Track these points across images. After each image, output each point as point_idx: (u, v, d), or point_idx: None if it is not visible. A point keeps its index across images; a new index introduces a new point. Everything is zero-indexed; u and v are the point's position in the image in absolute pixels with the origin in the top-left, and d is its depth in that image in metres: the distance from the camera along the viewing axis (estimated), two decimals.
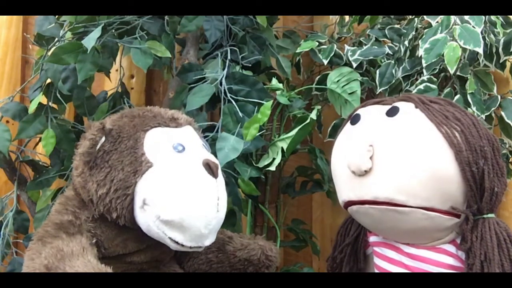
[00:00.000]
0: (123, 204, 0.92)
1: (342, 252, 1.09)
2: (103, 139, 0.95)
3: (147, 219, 0.91)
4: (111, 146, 0.95)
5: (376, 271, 1.02)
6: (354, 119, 0.97)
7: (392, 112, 0.93)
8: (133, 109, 1.05)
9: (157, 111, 1.02)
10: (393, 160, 0.89)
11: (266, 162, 1.23)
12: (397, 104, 0.95)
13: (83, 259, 0.82)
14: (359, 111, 0.99)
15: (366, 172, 0.89)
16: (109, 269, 0.82)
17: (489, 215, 0.90)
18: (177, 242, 0.91)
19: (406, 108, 0.93)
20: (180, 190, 0.91)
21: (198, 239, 0.92)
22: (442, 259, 0.92)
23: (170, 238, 0.91)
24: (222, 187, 0.96)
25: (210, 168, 0.93)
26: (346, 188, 0.95)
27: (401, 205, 0.88)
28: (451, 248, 0.92)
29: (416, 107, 0.93)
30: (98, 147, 0.94)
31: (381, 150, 0.90)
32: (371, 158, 0.89)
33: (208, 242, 0.94)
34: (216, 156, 1.08)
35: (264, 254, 1.07)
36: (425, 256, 0.93)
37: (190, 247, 0.92)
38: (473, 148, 0.88)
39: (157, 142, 0.96)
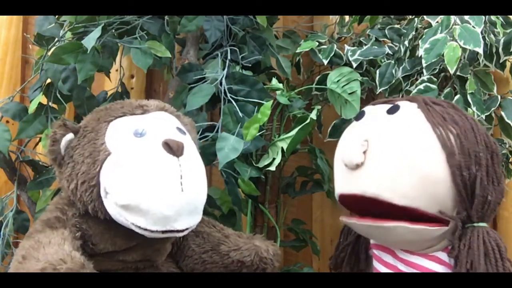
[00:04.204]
0: (92, 196, 0.90)
1: (343, 251, 1.08)
2: (70, 136, 0.94)
3: (110, 207, 0.89)
4: (76, 141, 0.94)
5: None
6: (359, 116, 0.97)
7: (392, 110, 0.92)
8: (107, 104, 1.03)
9: (127, 102, 1.00)
10: (385, 157, 0.88)
11: (266, 162, 1.23)
12: (400, 103, 0.94)
13: (57, 248, 0.81)
14: (365, 108, 0.98)
15: (358, 166, 0.89)
16: (78, 255, 0.78)
17: (480, 224, 0.87)
18: (140, 227, 0.87)
19: (408, 107, 0.93)
20: (135, 173, 0.87)
21: (163, 222, 0.87)
22: (434, 267, 0.91)
23: (132, 223, 0.87)
24: (190, 165, 0.91)
25: (169, 147, 0.89)
26: (339, 180, 0.95)
27: (386, 202, 0.86)
28: (443, 256, 0.91)
29: (418, 107, 0.92)
30: (62, 144, 0.94)
31: (375, 146, 0.89)
32: (365, 152, 0.89)
33: (179, 225, 0.89)
34: (216, 156, 1.08)
35: (258, 256, 1.02)
36: (418, 263, 0.92)
37: (162, 232, 0.88)
38: (467, 152, 0.86)
39: (118, 131, 0.93)
